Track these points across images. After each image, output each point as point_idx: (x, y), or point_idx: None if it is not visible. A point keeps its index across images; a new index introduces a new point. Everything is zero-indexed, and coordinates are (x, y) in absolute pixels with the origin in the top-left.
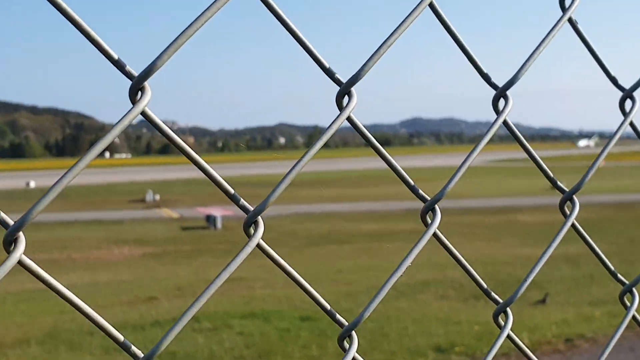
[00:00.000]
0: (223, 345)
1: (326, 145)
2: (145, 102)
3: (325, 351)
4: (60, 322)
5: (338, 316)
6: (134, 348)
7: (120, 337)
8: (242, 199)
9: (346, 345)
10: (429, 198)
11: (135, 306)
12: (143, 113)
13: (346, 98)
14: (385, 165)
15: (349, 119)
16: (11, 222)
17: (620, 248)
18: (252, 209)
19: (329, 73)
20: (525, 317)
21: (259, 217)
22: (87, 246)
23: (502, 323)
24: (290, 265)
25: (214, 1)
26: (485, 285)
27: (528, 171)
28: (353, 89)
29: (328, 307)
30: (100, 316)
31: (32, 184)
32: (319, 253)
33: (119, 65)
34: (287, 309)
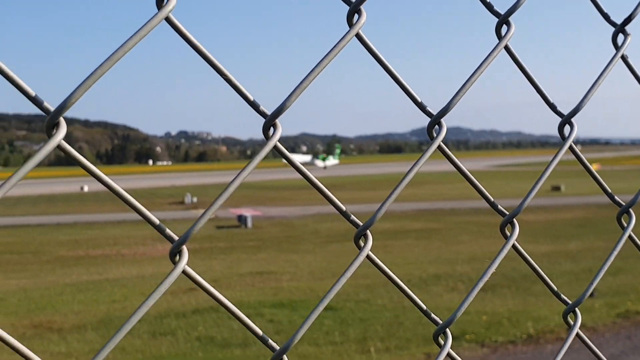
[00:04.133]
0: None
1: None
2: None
3: (346, 337)
4: (112, 310)
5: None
6: (271, 341)
7: (260, 332)
8: (352, 215)
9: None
10: (507, 212)
11: (177, 296)
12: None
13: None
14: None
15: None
16: (176, 238)
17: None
18: (361, 224)
19: (254, 105)
20: (532, 309)
21: (368, 231)
22: (134, 243)
23: (572, 322)
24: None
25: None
26: (555, 288)
27: (531, 174)
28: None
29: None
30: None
31: (86, 188)
32: (339, 249)
33: (254, 105)
34: (312, 299)
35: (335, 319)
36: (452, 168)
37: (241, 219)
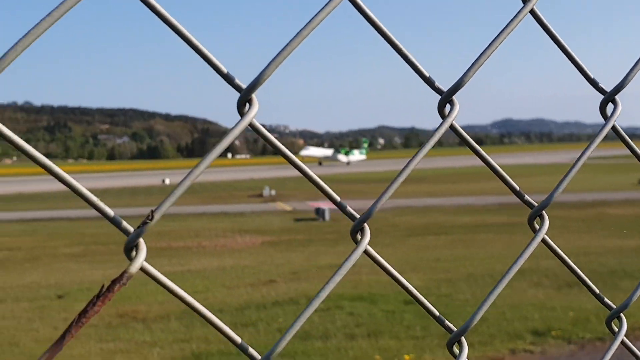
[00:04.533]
0: (335, 324)
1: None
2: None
3: (428, 332)
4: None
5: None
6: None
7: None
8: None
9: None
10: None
11: (257, 288)
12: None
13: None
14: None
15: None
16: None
17: None
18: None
19: (228, 79)
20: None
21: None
22: (214, 235)
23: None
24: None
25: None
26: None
27: (618, 167)
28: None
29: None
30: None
31: (167, 181)
32: (418, 243)
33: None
34: (391, 293)
35: (416, 313)
36: (535, 160)
37: (319, 212)
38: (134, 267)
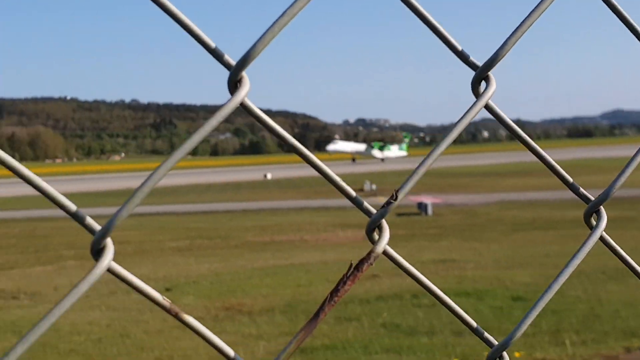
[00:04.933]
0: (441, 320)
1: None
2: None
3: (538, 329)
4: (298, 295)
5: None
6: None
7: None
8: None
9: None
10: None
11: (360, 282)
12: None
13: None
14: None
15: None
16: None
17: None
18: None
19: (216, 54)
20: None
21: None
22: (316, 229)
23: None
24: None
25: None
26: None
27: None
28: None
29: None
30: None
31: (269, 176)
32: (525, 238)
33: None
34: (498, 289)
35: (525, 309)
36: None
37: (421, 207)
38: (380, 247)
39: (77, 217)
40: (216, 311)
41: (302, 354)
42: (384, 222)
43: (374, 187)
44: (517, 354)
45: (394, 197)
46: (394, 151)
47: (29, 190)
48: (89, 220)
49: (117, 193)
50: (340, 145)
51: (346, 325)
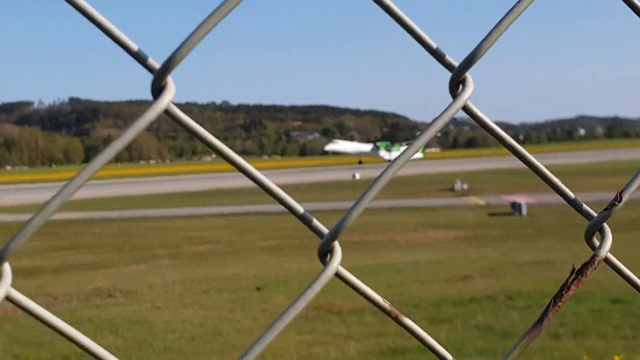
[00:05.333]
0: None
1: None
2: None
3: (638, 332)
4: (389, 296)
5: None
6: None
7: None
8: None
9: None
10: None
11: (452, 283)
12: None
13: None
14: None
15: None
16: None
17: None
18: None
19: (138, 58)
20: None
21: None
22: (406, 229)
23: None
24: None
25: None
26: None
27: None
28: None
29: None
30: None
31: (358, 176)
32: (625, 239)
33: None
34: (597, 291)
35: (624, 312)
36: None
37: (515, 206)
38: (603, 251)
39: (305, 219)
40: (306, 311)
41: (395, 355)
42: (605, 225)
43: (465, 186)
44: (616, 358)
45: (618, 199)
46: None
47: (124, 191)
48: (316, 223)
49: (207, 193)
50: (340, 146)
51: (439, 326)
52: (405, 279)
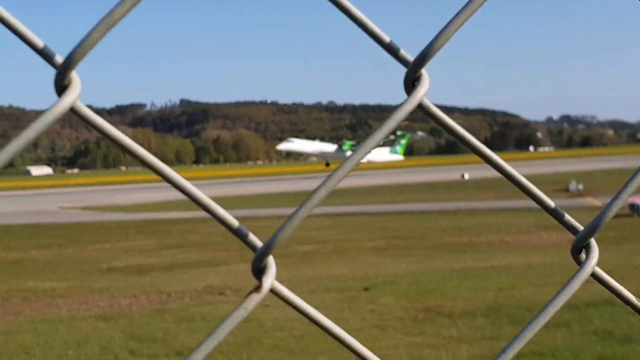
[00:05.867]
0: None
1: None
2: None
3: None
4: (501, 298)
5: None
6: None
7: None
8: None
9: None
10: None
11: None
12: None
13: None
14: None
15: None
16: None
17: None
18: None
19: (44, 55)
20: None
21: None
22: (517, 231)
23: None
24: None
25: None
26: None
27: None
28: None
29: None
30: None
31: (466, 176)
32: None
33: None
34: None
35: None
36: None
37: (634, 208)
38: None
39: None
40: (415, 312)
41: None
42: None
43: (580, 187)
44: None
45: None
46: (382, 154)
47: (232, 191)
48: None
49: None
50: (296, 145)
51: (554, 331)
52: (517, 281)
